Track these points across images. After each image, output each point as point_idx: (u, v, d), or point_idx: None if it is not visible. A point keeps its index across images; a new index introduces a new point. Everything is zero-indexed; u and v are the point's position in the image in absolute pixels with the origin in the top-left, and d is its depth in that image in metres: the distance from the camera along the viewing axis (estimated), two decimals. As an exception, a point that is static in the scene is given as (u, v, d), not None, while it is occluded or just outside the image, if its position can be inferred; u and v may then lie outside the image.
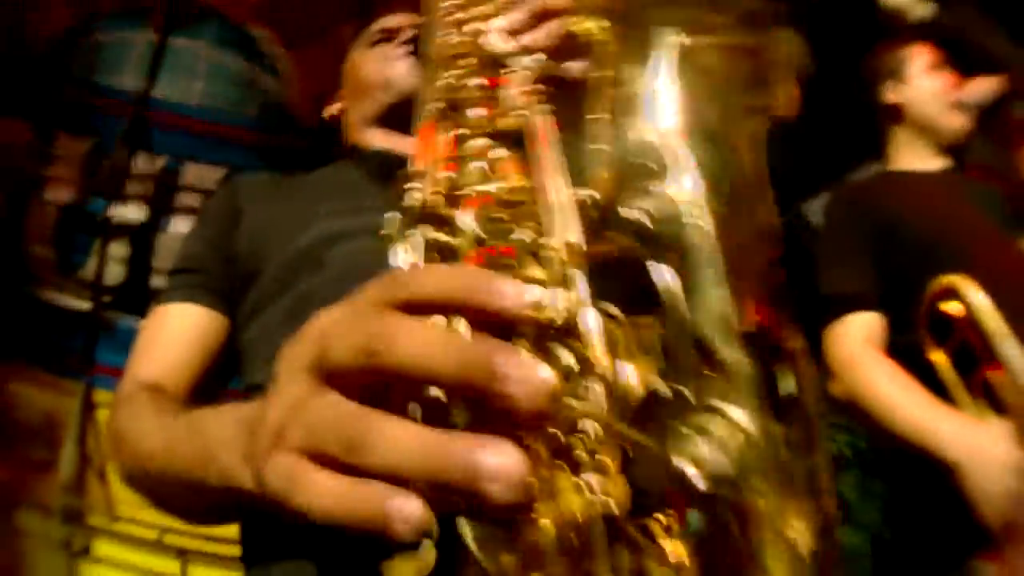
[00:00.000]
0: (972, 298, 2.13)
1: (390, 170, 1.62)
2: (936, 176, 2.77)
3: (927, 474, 2.20)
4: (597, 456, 0.56)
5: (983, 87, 2.74)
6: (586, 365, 0.59)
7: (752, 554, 0.51)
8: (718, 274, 0.53)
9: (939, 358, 2.28)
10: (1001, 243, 2.46)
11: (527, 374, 0.55)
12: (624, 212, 0.57)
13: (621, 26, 0.73)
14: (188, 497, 1.13)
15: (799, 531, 0.52)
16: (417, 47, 1.72)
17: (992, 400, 2.16)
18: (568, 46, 0.99)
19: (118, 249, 4.45)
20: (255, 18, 4.96)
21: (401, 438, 0.57)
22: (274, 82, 4.94)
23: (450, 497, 0.55)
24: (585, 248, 0.64)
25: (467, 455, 0.54)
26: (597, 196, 0.71)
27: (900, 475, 2.47)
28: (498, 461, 0.53)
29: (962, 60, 2.81)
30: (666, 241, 0.56)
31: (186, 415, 1.19)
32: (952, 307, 2.19)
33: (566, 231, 0.66)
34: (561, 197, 0.72)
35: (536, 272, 0.67)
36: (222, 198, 1.72)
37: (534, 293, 0.58)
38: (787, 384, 0.56)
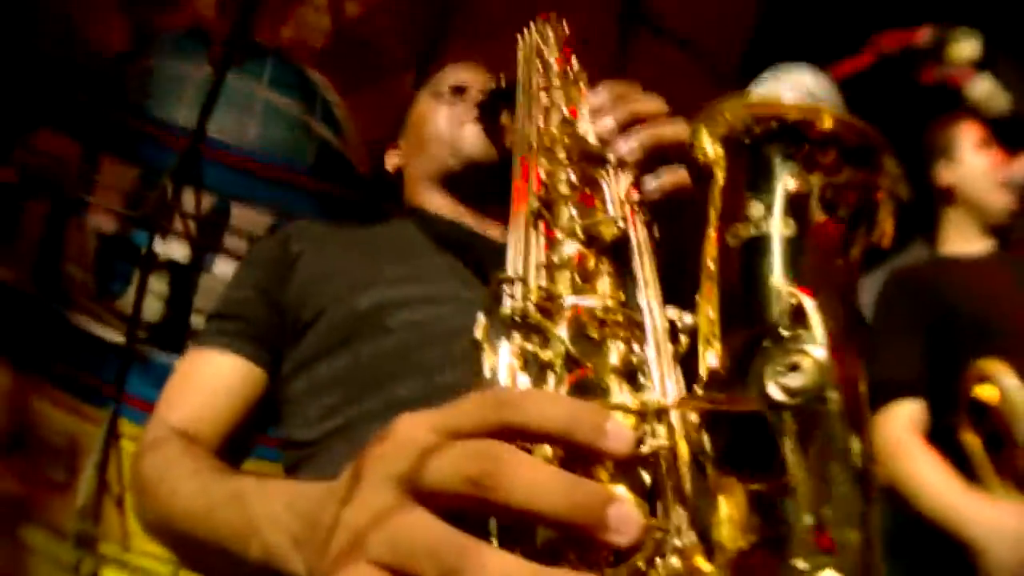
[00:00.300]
0: (1004, 383, 2.19)
1: (454, 241, 1.60)
2: (986, 260, 2.78)
3: (949, 555, 2.26)
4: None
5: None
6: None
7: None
8: (841, 449, 0.52)
9: (972, 440, 2.34)
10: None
11: (629, 527, 0.54)
12: (770, 390, 0.56)
13: (732, 152, 0.73)
14: (219, 562, 1.10)
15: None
16: (487, 111, 1.71)
17: (1020, 482, 2.23)
18: (668, 156, 0.99)
19: (158, 284, 4.45)
20: (314, 61, 4.99)
21: (503, 571, 0.55)
22: (330, 128, 4.94)
23: None
24: (684, 399, 0.64)
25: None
26: (690, 322, 0.70)
27: (923, 557, 2.50)
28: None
29: (1007, 134, 2.81)
30: (795, 415, 0.55)
31: (226, 479, 1.16)
32: (987, 391, 2.25)
33: (662, 366, 0.65)
34: (656, 321, 0.72)
35: (629, 398, 0.66)
36: (274, 243, 1.69)
37: (635, 437, 0.58)
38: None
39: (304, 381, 1.46)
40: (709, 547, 0.59)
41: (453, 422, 0.63)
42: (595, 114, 1.12)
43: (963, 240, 2.85)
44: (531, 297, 0.77)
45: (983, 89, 1.10)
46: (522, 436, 0.60)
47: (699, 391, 0.65)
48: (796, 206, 0.67)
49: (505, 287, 0.79)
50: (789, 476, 0.54)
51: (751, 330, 0.61)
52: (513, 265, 0.83)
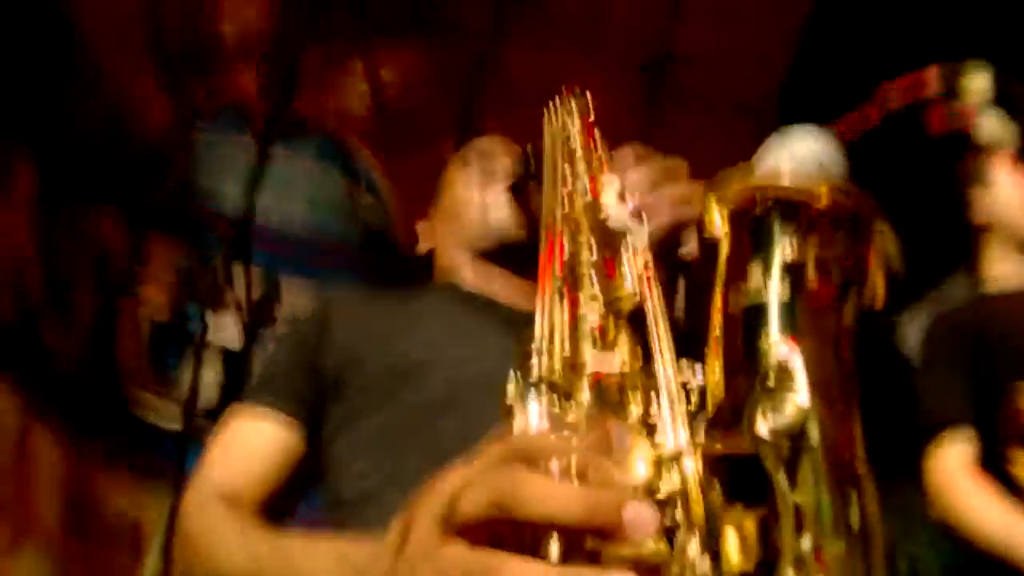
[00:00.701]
0: None
1: (485, 306, 1.66)
2: None
3: None
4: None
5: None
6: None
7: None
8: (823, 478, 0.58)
9: (1021, 474, 2.34)
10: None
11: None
12: (758, 429, 0.63)
13: (737, 223, 0.79)
14: None
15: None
16: (516, 190, 1.76)
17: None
18: (681, 227, 1.05)
19: (212, 370, 4.43)
20: (356, 133, 5.09)
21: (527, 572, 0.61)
22: (373, 200, 5.02)
23: None
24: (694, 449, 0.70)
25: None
26: (699, 381, 0.76)
27: None
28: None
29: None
30: (783, 450, 0.62)
31: (273, 538, 1.22)
32: None
33: (676, 420, 0.71)
34: (670, 381, 0.78)
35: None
36: (312, 312, 1.76)
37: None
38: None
39: (347, 438, 1.53)
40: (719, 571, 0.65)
41: (478, 464, 0.70)
42: (620, 194, 1.18)
43: (1004, 265, 2.84)
44: (556, 364, 0.84)
45: (990, 127, 1.13)
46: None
47: (703, 438, 0.71)
48: (792, 273, 0.73)
49: (533, 355, 0.85)
50: (781, 504, 0.60)
51: (748, 381, 0.68)
52: (540, 334, 0.90)
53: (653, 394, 0.79)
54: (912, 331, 3.22)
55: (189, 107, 4.93)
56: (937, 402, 2.62)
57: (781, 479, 0.61)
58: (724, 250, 0.80)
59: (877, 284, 0.79)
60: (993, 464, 2.45)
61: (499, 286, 1.79)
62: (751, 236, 0.79)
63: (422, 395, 1.46)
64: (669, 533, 0.65)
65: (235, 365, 4.13)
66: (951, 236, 3.04)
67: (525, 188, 1.73)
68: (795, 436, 0.62)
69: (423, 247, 2.04)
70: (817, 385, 0.65)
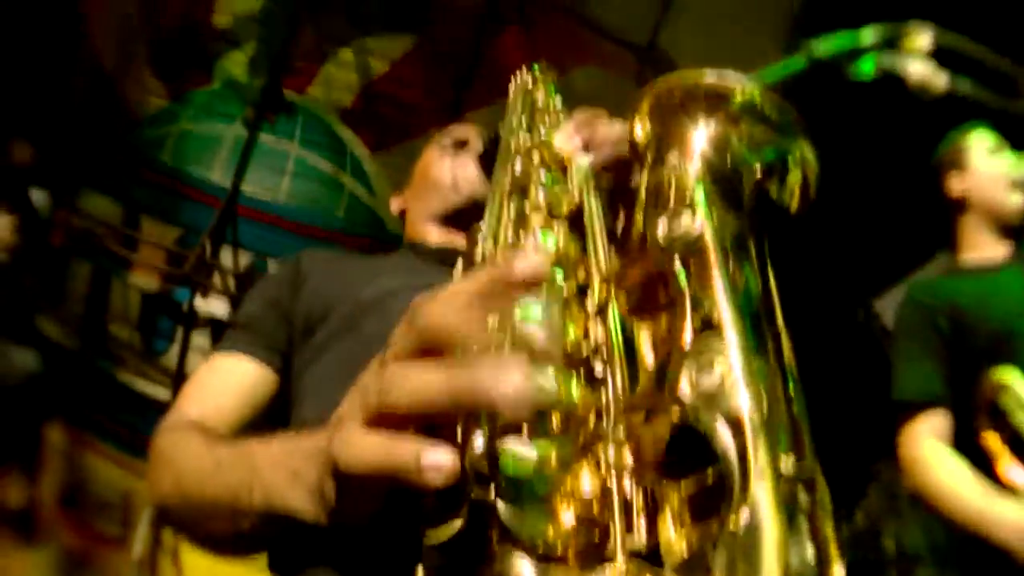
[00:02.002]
0: (1018, 389, 2.25)
1: (451, 262, 1.75)
2: (1003, 265, 2.82)
3: (1005, 564, 2.28)
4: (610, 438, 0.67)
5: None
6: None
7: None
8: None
9: (994, 443, 2.37)
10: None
11: (519, 398, 0.63)
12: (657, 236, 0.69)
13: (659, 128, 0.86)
14: (225, 521, 1.16)
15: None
16: (486, 158, 1.83)
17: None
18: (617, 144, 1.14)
19: (201, 340, 4.59)
20: (345, 120, 5.20)
21: (423, 376, 0.68)
22: (360, 183, 5.11)
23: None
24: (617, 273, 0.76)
25: (479, 373, 0.64)
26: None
27: (979, 567, 2.51)
28: (509, 381, 0.62)
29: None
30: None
31: (234, 441, 1.28)
32: (1004, 398, 2.30)
33: (606, 288, 0.79)
34: (601, 260, 0.86)
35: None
36: (288, 265, 1.81)
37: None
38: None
39: (313, 371, 1.58)
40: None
41: (379, 358, 0.80)
42: (565, 138, 1.28)
43: (980, 246, 2.92)
44: (499, 245, 0.93)
45: (920, 70, 1.19)
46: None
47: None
48: (709, 155, 0.80)
49: (479, 237, 0.94)
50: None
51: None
52: (487, 223, 0.99)
53: (585, 272, 0.87)
54: (886, 308, 3.25)
55: (180, 91, 5.03)
56: (909, 378, 2.69)
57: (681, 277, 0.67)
58: (649, 159, 0.86)
59: (794, 185, 0.84)
60: (967, 438, 2.49)
61: (462, 245, 1.87)
62: (673, 126, 0.84)
63: (381, 324, 1.52)
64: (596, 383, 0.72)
65: (223, 336, 4.18)
66: (930, 220, 3.10)
67: (494, 160, 1.82)
68: (691, 244, 0.68)
69: (395, 209, 2.14)
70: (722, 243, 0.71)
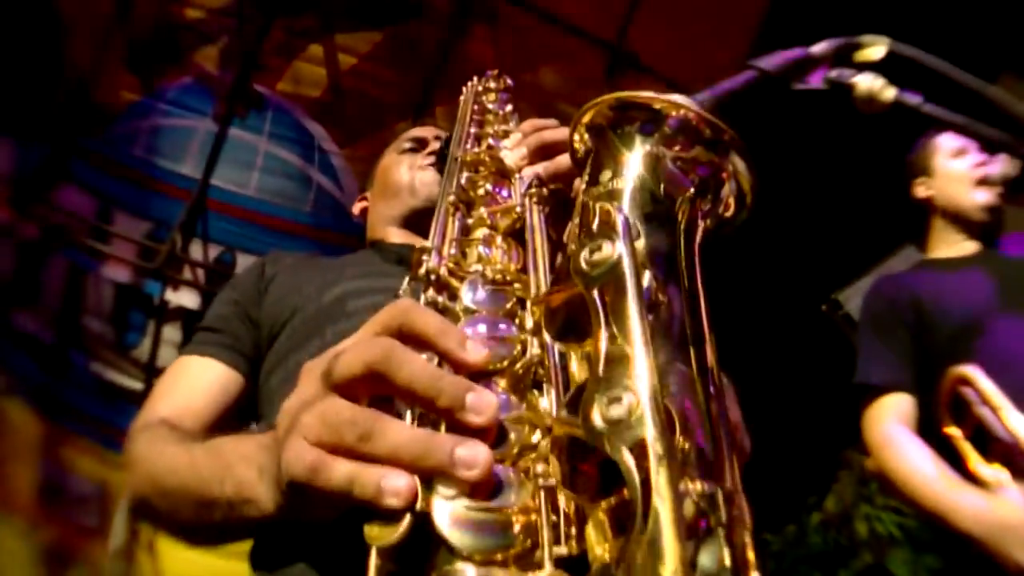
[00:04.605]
0: (980, 383, 2.26)
1: (407, 260, 1.79)
2: (967, 262, 2.85)
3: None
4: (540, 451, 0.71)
5: (1006, 160, 2.81)
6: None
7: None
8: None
9: (955, 434, 2.36)
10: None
11: (486, 410, 0.72)
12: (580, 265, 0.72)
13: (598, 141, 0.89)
14: (198, 512, 1.20)
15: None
16: (441, 159, 1.88)
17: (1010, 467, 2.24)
18: (559, 156, 1.18)
19: (172, 333, 4.66)
20: (312, 113, 5.22)
21: (401, 433, 0.72)
22: (328, 177, 5.14)
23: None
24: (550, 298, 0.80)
25: (448, 447, 0.69)
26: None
27: (955, 548, 2.52)
28: (469, 453, 0.68)
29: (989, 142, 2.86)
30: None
31: (205, 440, 1.32)
32: (967, 392, 2.32)
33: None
34: (541, 280, 0.90)
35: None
36: (254, 268, 1.86)
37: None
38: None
39: (278, 374, 1.63)
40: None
41: (362, 333, 0.84)
42: (513, 145, 1.32)
43: (948, 246, 2.96)
44: (447, 264, 0.97)
45: (865, 84, 1.21)
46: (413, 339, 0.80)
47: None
48: (643, 170, 0.83)
49: (424, 257, 0.98)
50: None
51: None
52: (432, 241, 1.03)
53: (524, 289, 0.91)
54: (850, 298, 3.28)
55: (153, 85, 5.02)
56: (874, 366, 2.71)
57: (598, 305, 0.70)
58: (582, 154, 0.89)
59: (728, 197, 0.87)
60: (930, 424, 2.49)
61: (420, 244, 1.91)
62: (610, 143, 0.88)
63: (343, 325, 1.56)
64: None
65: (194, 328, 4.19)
66: (894, 215, 3.15)
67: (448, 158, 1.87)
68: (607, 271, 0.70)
69: (358, 210, 2.22)
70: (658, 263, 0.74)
